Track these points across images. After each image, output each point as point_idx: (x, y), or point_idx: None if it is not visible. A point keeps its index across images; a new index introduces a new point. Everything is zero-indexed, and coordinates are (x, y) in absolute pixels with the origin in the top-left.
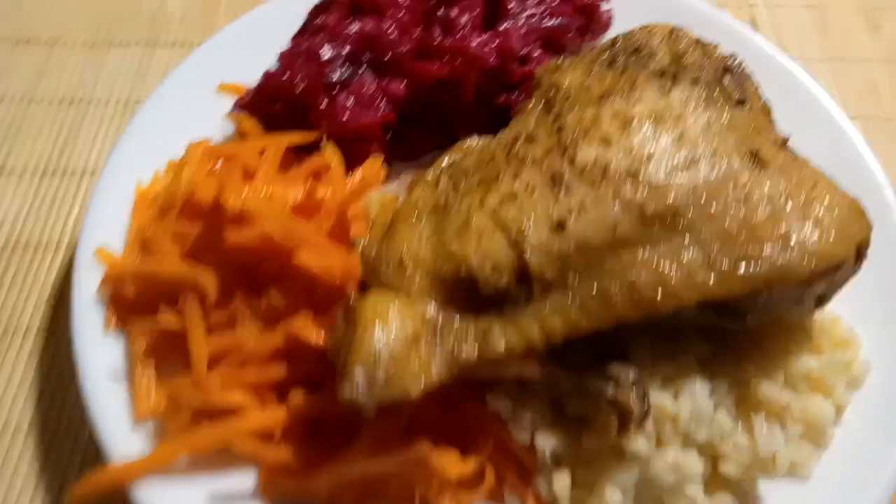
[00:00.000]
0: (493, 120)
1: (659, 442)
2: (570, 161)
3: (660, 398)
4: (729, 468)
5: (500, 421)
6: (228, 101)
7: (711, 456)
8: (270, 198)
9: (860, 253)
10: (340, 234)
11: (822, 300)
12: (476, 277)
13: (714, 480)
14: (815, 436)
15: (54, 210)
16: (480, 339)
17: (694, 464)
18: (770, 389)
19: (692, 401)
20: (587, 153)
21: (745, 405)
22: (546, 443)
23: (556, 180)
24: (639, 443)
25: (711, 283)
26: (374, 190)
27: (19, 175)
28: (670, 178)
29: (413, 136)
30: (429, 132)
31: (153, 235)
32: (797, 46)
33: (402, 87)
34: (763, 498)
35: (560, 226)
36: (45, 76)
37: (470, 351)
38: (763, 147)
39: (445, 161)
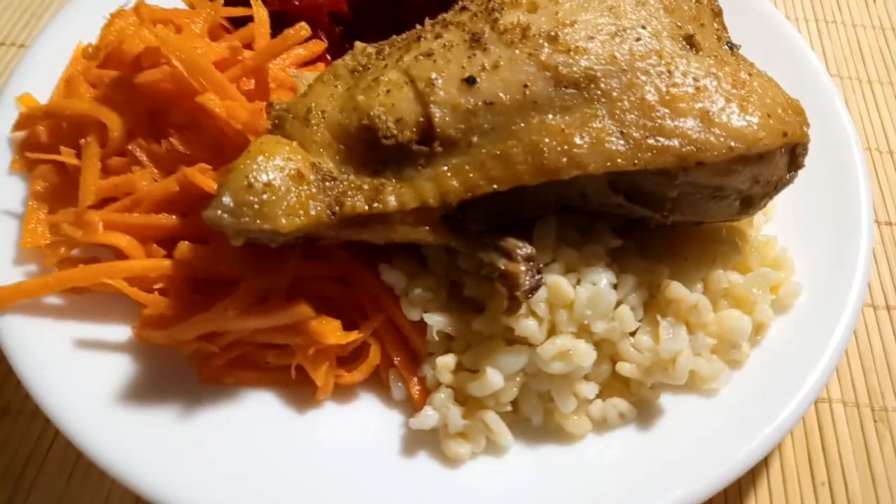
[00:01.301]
0: None
1: (553, 331)
2: (492, 23)
3: (556, 279)
4: (625, 368)
5: (394, 299)
6: None
7: (611, 358)
8: (190, 46)
9: (795, 156)
10: (258, 95)
11: (749, 202)
12: (376, 128)
13: (612, 385)
14: (727, 350)
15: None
16: (372, 194)
17: (584, 352)
18: (679, 289)
19: (592, 290)
20: (511, 17)
21: (655, 308)
22: (435, 321)
23: (474, 39)
24: (527, 323)
25: (620, 152)
26: (310, 71)
27: None
28: (591, 44)
29: (366, 33)
30: (382, 30)
31: (69, 77)
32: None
33: None
34: (664, 410)
35: (470, 81)
36: None
37: (359, 203)
38: (700, 35)
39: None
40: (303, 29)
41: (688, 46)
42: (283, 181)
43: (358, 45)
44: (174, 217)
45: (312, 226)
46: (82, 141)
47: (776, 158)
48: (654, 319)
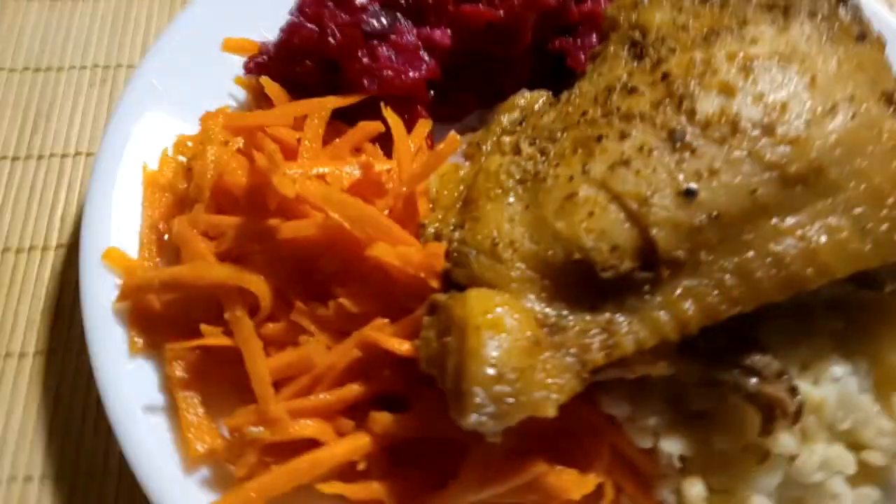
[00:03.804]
0: (543, 71)
1: (804, 436)
2: (689, 115)
3: (803, 387)
4: (874, 457)
5: (614, 425)
6: (234, 61)
7: (850, 445)
8: (324, 178)
9: None
10: (405, 217)
11: None
12: (593, 261)
13: (855, 472)
14: None
15: (34, 203)
16: (604, 338)
17: (846, 459)
18: None
19: (837, 386)
20: (708, 104)
21: (884, 385)
22: (673, 447)
23: (675, 138)
24: (786, 441)
25: (866, 251)
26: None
27: None
28: (811, 131)
29: (455, 93)
30: (472, 89)
31: (180, 232)
32: None
33: (446, 35)
34: None
35: (689, 193)
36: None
37: (595, 353)
38: (894, 88)
39: (505, 120)
40: (455, 141)
41: (890, 107)
42: (525, 356)
43: (504, 139)
44: (356, 385)
45: (569, 399)
46: (227, 315)
47: None
48: (885, 396)
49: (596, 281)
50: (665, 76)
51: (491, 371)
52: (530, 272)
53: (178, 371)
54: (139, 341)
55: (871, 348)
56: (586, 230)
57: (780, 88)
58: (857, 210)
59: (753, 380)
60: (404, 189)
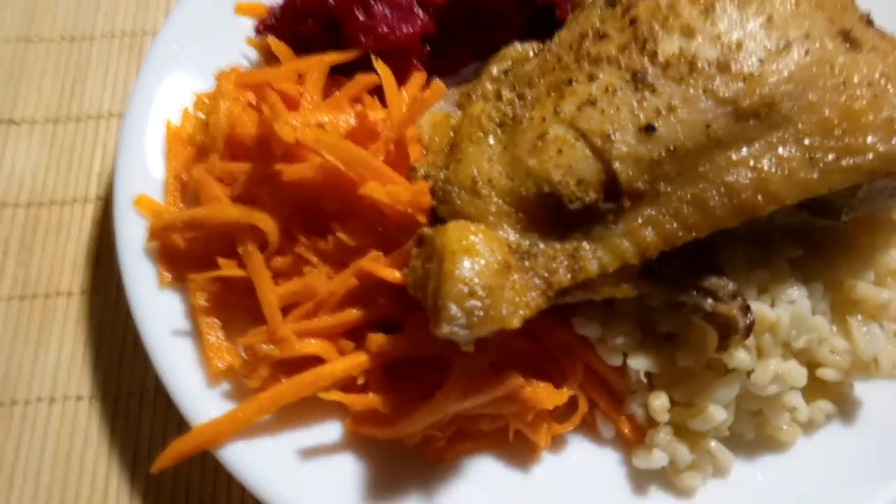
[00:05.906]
0: (535, 23)
1: (759, 353)
2: (650, 56)
3: (758, 307)
4: (828, 374)
5: (587, 345)
6: (246, 24)
7: (807, 362)
8: (322, 126)
9: None
10: (398, 160)
11: None
12: (560, 194)
13: (811, 387)
14: None
15: (74, 161)
16: (570, 262)
17: (797, 373)
18: (867, 290)
19: (791, 307)
20: (669, 45)
21: (840, 308)
22: (640, 364)
23: (638, 79)
24: (740, 356)
25: (814, 179)
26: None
27: (30, 126)
28: (764, 67)
29: (451, 47)
30: (467, 42)
31: (198, 179)
32: None
33: None
34: (863, 402)
35: (649, 129)
36: (37, 13)
37: (562, 275)
38: (853, 26)
39: (494, 70)
40: (440, 88)
41: (846, 44)
42: (496, 276)
43: (487, 86)
44: (355, 310)
45: (534, 314)
46: (240, 249)
47: None
48: (842, 318)
49: (565, 212)
50: (633, 21)
51: (463, 288)
52: (506, 206)
53: (201, 300)
54: (167, 275)
55: (828, 273)
56: (555, 166)
57: (737, 28)
58: (807, 141)
59: (710, 300)
60: (393, 134)
